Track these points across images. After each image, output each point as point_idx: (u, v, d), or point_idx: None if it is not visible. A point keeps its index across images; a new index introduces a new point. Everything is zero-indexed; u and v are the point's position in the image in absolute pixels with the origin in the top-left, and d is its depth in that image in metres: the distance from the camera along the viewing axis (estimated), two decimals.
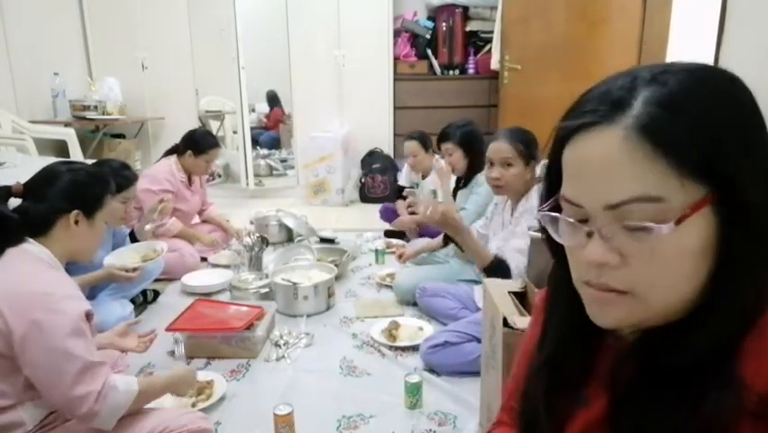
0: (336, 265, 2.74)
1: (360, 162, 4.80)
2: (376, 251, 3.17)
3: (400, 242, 3.34)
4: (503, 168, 1.87)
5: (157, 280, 2.62)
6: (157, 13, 4.51)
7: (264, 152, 6.16)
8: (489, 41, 4.61)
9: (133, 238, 2.48)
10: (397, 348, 2.09)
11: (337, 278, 2.68)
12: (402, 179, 3.69)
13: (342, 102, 4.79)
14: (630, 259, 0.47)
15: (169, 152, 3.14)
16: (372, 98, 4.75)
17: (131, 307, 2.32)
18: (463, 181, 2.81)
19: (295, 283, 2.46)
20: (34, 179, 1.32)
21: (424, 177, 3.41)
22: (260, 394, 1.83)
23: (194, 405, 1.71)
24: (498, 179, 1.88)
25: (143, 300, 2.53)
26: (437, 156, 2.98)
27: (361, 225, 3.92)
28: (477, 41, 4.80)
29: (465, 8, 4.66)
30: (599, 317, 0.52)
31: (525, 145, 1.86)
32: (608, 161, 0.45)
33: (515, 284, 1.44)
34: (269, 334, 2.19)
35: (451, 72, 4.82)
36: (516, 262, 1.76)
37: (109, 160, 2.45)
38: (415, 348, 2.06)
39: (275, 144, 6.53)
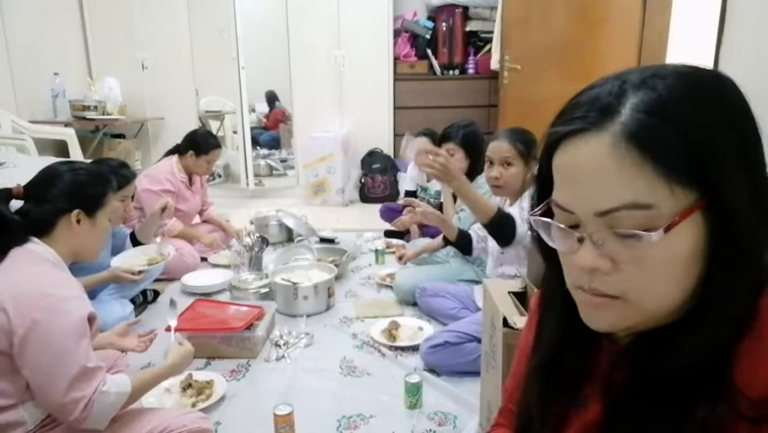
0: (336, 265, 2.74)
1: (360, 162, 4.80)
2: (376, 251, 3.17)
3: (400, 242, 3.34)
4: (503, 167, 1.87)
5: (157, 280, 2.62)
6: (157, 13, 4.51)
7: (264, 151, 6.16)
8: (489, 41, 4.62)
9: (134, 239, 2.48)
10: (397, 348, 2.09)
11: (337, 278, 2.68)
12: (407, 182, 3.48)
13: (342, 102, 4.79)
14: (621, 265, 0.47)
15: (169, 153, 3.14)
16: (372, 98, 4.75)
17: (131, 307, 2.32)
18: None
19: (295, 283, 2.46)
20: (34, 181, 1.32)
21: (428, 178, 3.37)
22: (260, 394, 1.83)
23: (194, 405, 1.72)
24: (498, 178, 1.88)
25: (143, 300, 2.53)
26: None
27: (361, 225, 3.92)
28: (477, 41, 4.80)
29: (465, 8, 4.66)
30: (592, 320, 0.52)
31: (525, 145, 1.86)
32: (597, 168, 0.45)
33: (515, 284, 1.44)
34: (269, 334, 2.19)
35: (451, 72, 4.82)
36: (519, 220, 1.76)
37: (107, 158, 2.46)
38: (415, 348, 2.06)
39: (275, 144, 6.53)
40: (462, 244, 2.15)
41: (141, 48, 4.56)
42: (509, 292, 1.37)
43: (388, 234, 3.55)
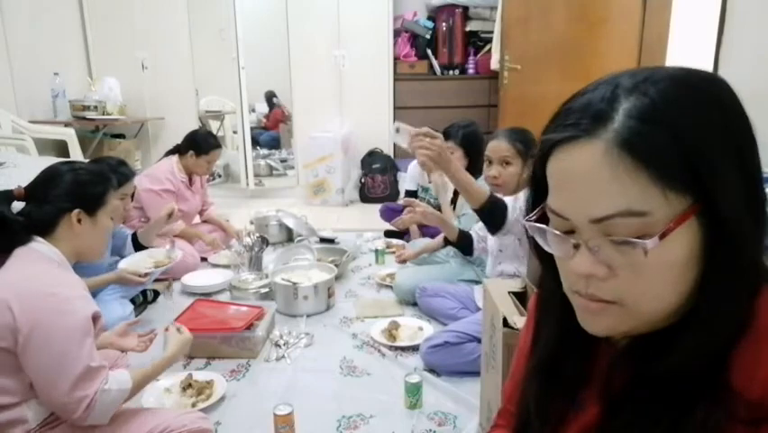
0: (336, 265, 2.74)
1: (360, 162, 4.80)
2: (376, 251, 3.17)
3: (400, 242, 3.34)
4: (501, 166, 1.88)
5: (157, 280, 2.62)
6: (157, 13, 4.51)
7: (264, 151, 6.16)
8: (489, 41, 4.62)
9: (135, 240, 2.47)
10: (396, 348, 2.09)
11: (337, 278, 2.68)
12: (407, 182, 3.45)
13: (342, 102, 4.79)
14: (617, 270, 0.47)
15: (169, 153, 3.14)
16: (372, 98, 4.75)
17: (131, 307, 2.32)
18: None
19: (295, 283, 2.46)
20: (35, 182, 1.32)
21: (430, 179, 3.33)
22: (260, 394, 1.83)
23: (194, 405, 1.72)
24: (497, 177, 1.89)
25: (143, 300, 2.53)
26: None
27: (361, 225, 3.92)
28: (477, 41, 4.80)
29: (465, 8, 4.66)
30: (590, 325, 0.52)
31: (524, 144, 1.87)
32: (591, 175, 0.45)
33: (515, 284, 1.44)
34: (269, 334, 2.19)
35: (451, 72, 4.82)
36: (510, 208, 1.77)
37: (106, 157, 2.46)
38: (415, 348, 2.06)
39: (275, 144, 6.53)
40: (463, 244, 2.16)
41: (141, 48, 4.56)
42: (509, 292, 1.37)
43: (388, 234, 3.55)
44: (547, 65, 3.65)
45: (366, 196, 4.73)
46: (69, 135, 3.56)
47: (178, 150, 3.11)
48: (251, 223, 3.60)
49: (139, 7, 4.49)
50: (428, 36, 4.77)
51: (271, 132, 6.66)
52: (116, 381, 1.19)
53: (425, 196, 3.28)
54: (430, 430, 1.63)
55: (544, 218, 0.53)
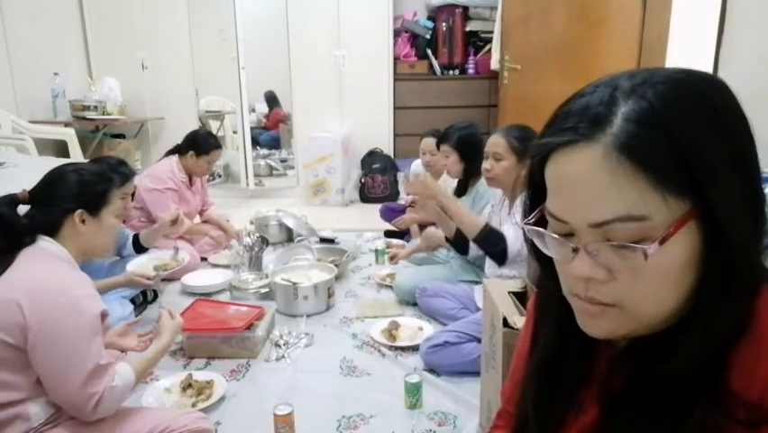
0: (336, 265, 2.74)
1: (360, 162, 4.80)
2: (376, 251, 3.17)
3: (400, 242, 3.34)
4: (494, 161, 1.91)
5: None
6: (157, 13, 4.51)
7: (264, 152, 6.16)
8: (489, 41, 4.62)
9: (136, 242, 2.46)
10: (397, 348, 2.09)
11: (337, 278, 2.68)
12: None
13: (342, 102, 4.79)
14: (617, 274, 0.47)
15: (170, 153, 3.14)
16: (372, 98, 4.75)
17: (131, 307, 2.32)
18: (461, 187, 2.70)
19: (295, 283, 2.46)
20: (38, 185, 1.34)
21: (435, 179, 3.32)
22: (260, 394, 1.83)
23: (194, 405, 1.72)
24: (489, 170, 1.94)
25: (143, 300, 2.53)
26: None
27: (361, 225, 3.92)
28: (477, 41, 4.80)
29: (465, 8, 4.66)
30: (589, 327, 0.52)
31: (520, 141, 1.88)
32: (590, 180, 0.45)
33: (515, 284, 1.44)
34: (269, 334, 2.19)
35: (451, 72, 4.82)
36: (515, 234, 1.78)
37: (106, 156, 2.46)
38: (415, 348, 2.06)
39: (275, 144, 6.53)
40: (459, 242, 2.15)
41: (141, 48, 4.56)
42: (509, 292, 1.37)
43: (388, 234, 3.55)
44: (547, 65, 3.65)
45: (366, 196, 4.73)
46: (69, 135, 3.56)
47: (179, 150, 3.10)
48: (251, 223, 3.60)
49: (139, 7, 4.50)
50: (428, 36, 4.78)
51: (271, 132, 6.66)
52: (121, 377, 1.22)
53: None
54: (430, 430, 1.63)
55: (542, 220, 0.52)
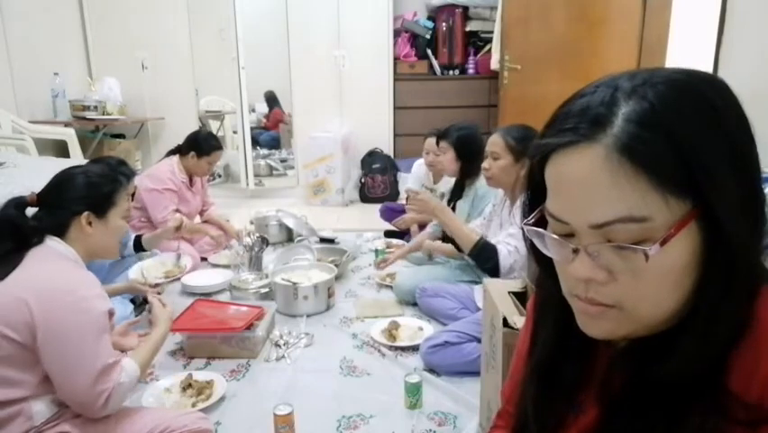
0: (336, 265, 2.74)
1: (360, 162, 4.80)
2: (376, 251, 3.16)
3: (400, 242, 3.33)
4: (492, 159, 1.93)
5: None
6: (157, 13, 4.51)
7: (264, 151, 6.16)
8: (489, 41, 4.62)
9: (137, 243, 2.46)
10: (396, 348, 2.09)
11: (337, 278, 2.68)
12: (411, 182, 3.41)
13: (342, 102, 4.79)
14: (617, 275, 0.47)
15: (170, 153, 3.14)
16: (372, 98, 4.75)
17: (131, 307, 2.32)
18: (458, 189, 2.70)
19: (295, 283, 2.46)
20: (46, 188, 1.36)
21: (436, 180, 3.29)
22: (260, 394, 1.83)
23: (194, 405, 1.72)
24: (487, 169, 1.96)
25: (143, 300, 2.52)
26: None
27: (361, 225, 3.92)
28: (477, 41, 4.80)
29: (465, 8, 4.66)
30: (589, 328, 0.51)
31: (519, 141, 1.89)
32: (590, 181, 0.45)
33: (515, 284, 1.44)
34: (269, 334, 2.19)
35: (451, 72, 4.82)
36: (508, 249, 1.80)
37: (105, 157, 2.47)
38: (415, 348, 2.06)
39: (275, 144, 6.52)
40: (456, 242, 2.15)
41: (141, 48, 4.56)
42: (509, 292, 1.37)
43: (388, 234, 3.55)
44: (547, 65, 3.65)
45: (366, 196, 4.73)
46: (69, 135, 3.56)
47: (179, 150, 3.11)
48: (251, 223, 3.60)
49: (139, 7, 4.49)
50: (428, 36, 4.77)
51: (271, 132, 6.66)
52: (127, 374, 1.23)
53: None
54: (430, 430, 1.63)
55: (542, 220, 0.52)
